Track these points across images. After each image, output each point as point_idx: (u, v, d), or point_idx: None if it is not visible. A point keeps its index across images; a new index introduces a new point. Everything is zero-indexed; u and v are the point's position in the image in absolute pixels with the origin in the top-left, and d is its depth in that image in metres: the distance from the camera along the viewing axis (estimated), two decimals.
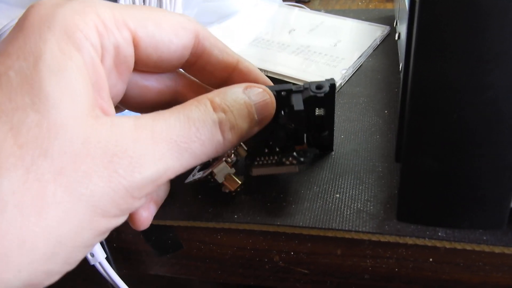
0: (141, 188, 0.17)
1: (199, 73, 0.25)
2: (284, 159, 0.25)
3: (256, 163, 0.25)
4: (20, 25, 0.17)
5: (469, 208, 0.21)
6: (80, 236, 0.16)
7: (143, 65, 0.22)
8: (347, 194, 0.26)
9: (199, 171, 0.27)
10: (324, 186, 0.27)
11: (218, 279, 0.29)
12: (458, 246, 0.23)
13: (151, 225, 0.28)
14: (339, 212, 0.25)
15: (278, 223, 0.25)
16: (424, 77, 0.19)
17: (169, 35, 0.21)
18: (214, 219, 0.26)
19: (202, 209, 0.26)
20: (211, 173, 0.25)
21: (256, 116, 0.22)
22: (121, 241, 0.29)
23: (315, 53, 0.43)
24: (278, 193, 0.27)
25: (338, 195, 0.26)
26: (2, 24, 0.38)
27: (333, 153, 0.30)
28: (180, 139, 0.18)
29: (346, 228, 0.24)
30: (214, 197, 0.27)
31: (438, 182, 0.21)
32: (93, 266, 0.27)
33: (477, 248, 0.23)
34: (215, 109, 0.20)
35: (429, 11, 0.18)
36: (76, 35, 0.17)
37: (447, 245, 0.23)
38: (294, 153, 0.25)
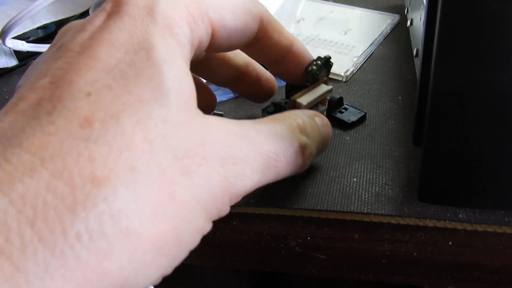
0: (239, 197, 0.18)
1: (256, 53, 0.25)
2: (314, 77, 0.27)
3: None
4: (116, 12, 0.17)
5: (492, 188, 0.21)
6: (190, 241, 0.16)
7: (211, 49, 0.22)
8: (365, 178, 0.26)
9: None
10: (341, 171, 0.27)
11: (233, 266, 0.29)
12: (479, 228, 0.23)
13: None
14: (357, 196, 0.25)
15: (296, 207, 0.25)
16: (448, 58, 0.18)
17: (242, 24, 0.21)
18: None
19: None
20: None
21: (321, 145, 0.24)
22: None
23: (325, 42, 0.43)
24: (294, 178, 0.27)
25: (355, 179, 0.26)
26: (11, 15, 0.38)
27: (348, 138, 0.30)
28: (272, 156, 0.19)
29: (365, 211, 0.24)
30: None
31: (461, 162, 0.20)
32: None
33: (498, 230, 0.23)
34: (301, 131, 0.21)
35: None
36: (176, 30, 0.17)
37: (468, 227, 0.23)
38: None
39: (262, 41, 0.24)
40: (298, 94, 0.27)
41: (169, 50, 0.17)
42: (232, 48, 0.23)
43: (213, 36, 0.20)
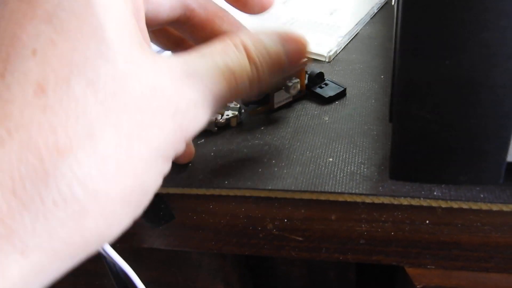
0: (193, 135, 0.19)
1: None
2: None
3: None
4: None
5: (465, 162, 0.20)
6: (153, 185, 0.17)
7: None
8: (341, 158, 0.26)
9: None
10: (317, 151, 0.26)
11: (213, 249, 0.28)
12: (455, 205, 0.22)
13: None
14: (332, 176, 0.24)
15: (270, 187, 0.24)
16: (413, 22, 0.18)
17: None
18: (204, 185, 0.25)
19: (192, 176, 0.26)
20: None
21: (285, 67, 0.21)
22: None
23: (310, 22, 0.42)
24: (269, 159, 0.26)
25: (331, 159, 0.26)
26: None
27: (327, 118, 0.29)
28: (222, 95, 0.19)
29: (339, 191, 0.23)
30: (205, 165, 0.27)
31: (431, 136, 0.20)
32: None
33: (474, 206, 0.22)
34: (249, 58, 0.19)
35: None
36: None
37: (443, 204, 0.22)
38: None
39: None
40: None
41: None
42: None
43: None
